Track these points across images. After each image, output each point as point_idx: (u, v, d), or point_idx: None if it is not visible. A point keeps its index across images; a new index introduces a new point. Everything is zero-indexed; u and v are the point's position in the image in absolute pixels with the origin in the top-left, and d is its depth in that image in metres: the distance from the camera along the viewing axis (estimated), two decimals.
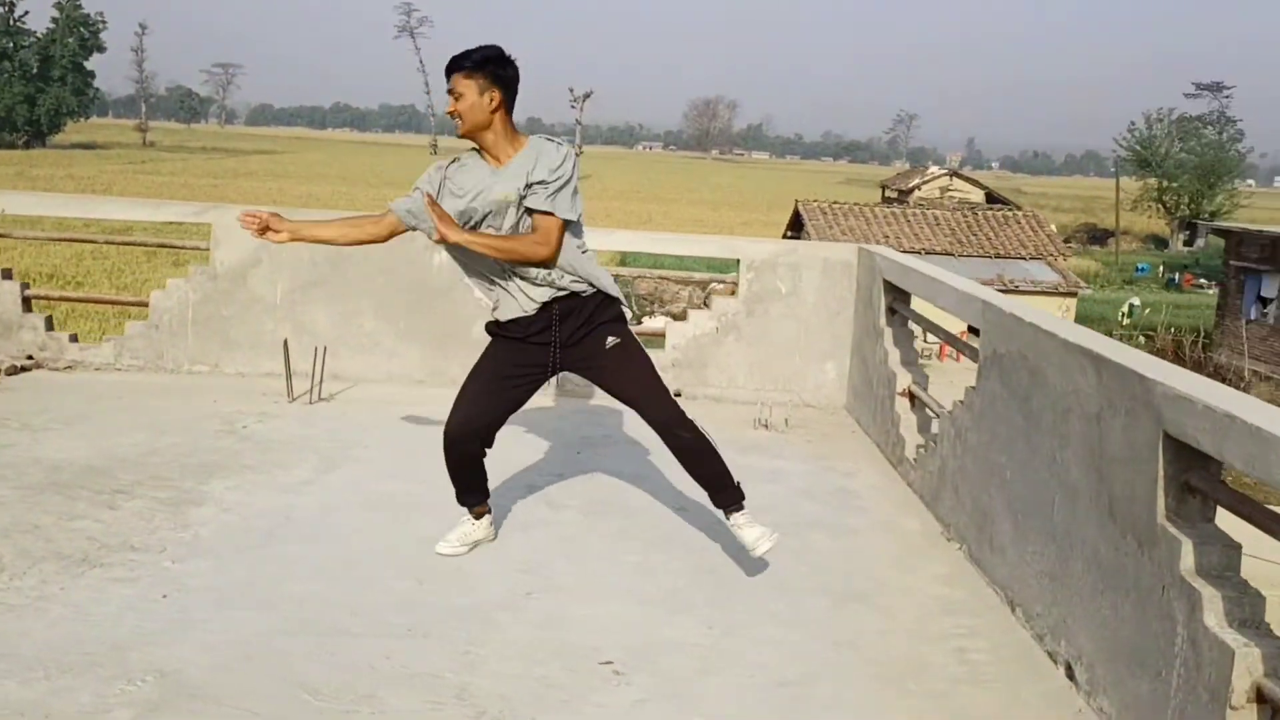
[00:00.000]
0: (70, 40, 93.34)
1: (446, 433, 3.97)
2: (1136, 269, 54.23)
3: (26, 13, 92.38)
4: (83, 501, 4.47)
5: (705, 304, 7.00)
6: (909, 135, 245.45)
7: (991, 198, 58.91)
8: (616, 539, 4.48)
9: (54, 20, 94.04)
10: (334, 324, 6.71)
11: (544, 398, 6.41)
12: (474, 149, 3.83)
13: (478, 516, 4.22)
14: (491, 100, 3.69)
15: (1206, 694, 2.72)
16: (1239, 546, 2.88)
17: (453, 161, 3.86)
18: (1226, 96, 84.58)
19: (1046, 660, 3.61)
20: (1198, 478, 2.95)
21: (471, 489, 4.15)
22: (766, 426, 6.25)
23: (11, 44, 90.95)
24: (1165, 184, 65.95)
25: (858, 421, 6.48)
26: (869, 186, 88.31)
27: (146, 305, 6.84)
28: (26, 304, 6.81)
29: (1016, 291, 29.26)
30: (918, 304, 5.85)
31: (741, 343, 6.78)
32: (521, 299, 3.85)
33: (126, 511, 4.40)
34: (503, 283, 3.85)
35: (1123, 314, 33.89)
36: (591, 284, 3.88)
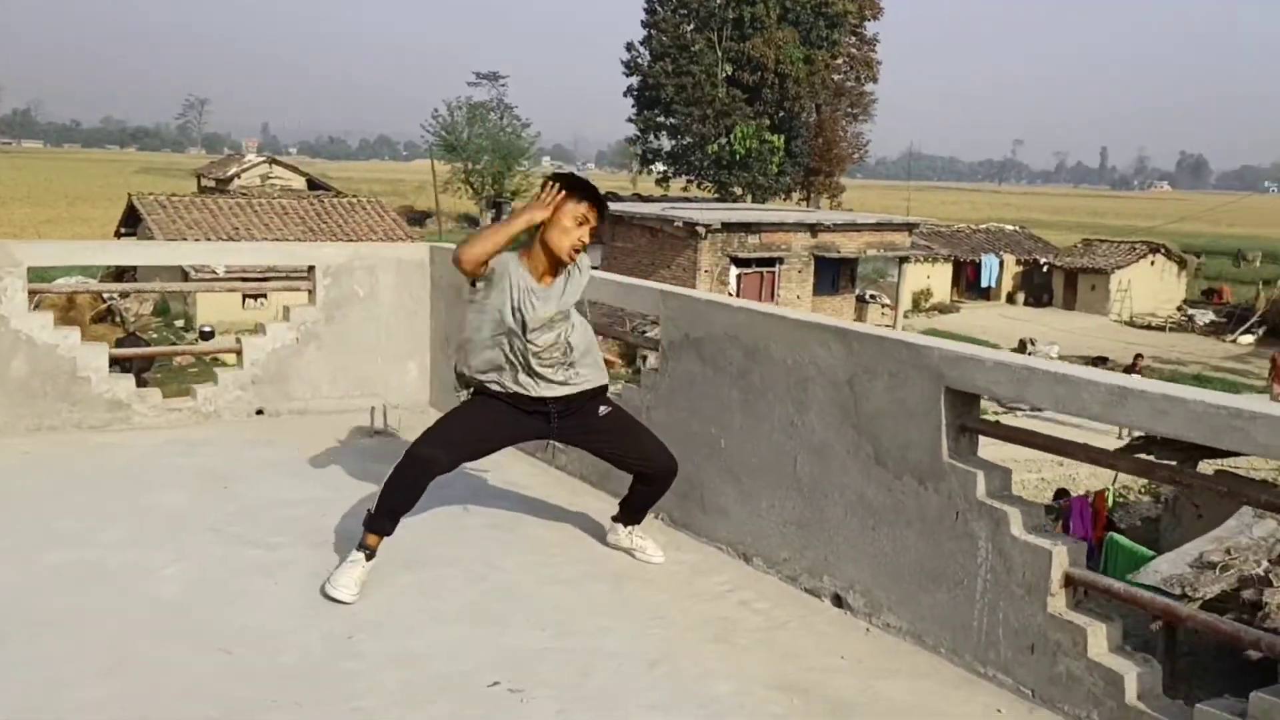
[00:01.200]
0: None
1: (419, 455, 3.96)
2: None
3: None
4: None
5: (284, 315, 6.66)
6: (201, 121, 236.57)
7: (313, 184, 59.34)
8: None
9: None
10: None
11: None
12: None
13: (371, 556, 3.97)
14: None
15: (1022, 590, 3.46)
16: (1009, 470, 3.67)
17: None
18: (503, 85, 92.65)
19: (810, 597, 4.20)
20: (970, 420, 3.70)
21: (401, 514, 4.02)
22: (379, 432, 6.17)
23: None
24: (470, 167, 71.01)
25: None
26: (176, 176, 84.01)
27: None
28: None
29: None
30: None
31: (323, 351, 6.57)
32: (528, 383, 4.09)
33: None
34: (520, 364, 4.07)
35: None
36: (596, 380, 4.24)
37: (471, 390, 4.17)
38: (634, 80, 50.38)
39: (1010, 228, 50.07)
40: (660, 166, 51.99)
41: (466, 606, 3.98)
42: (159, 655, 3.48)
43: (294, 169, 65.92)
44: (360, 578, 3.92)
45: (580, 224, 4.06)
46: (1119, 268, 42.56)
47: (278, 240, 31.26)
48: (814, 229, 32.66)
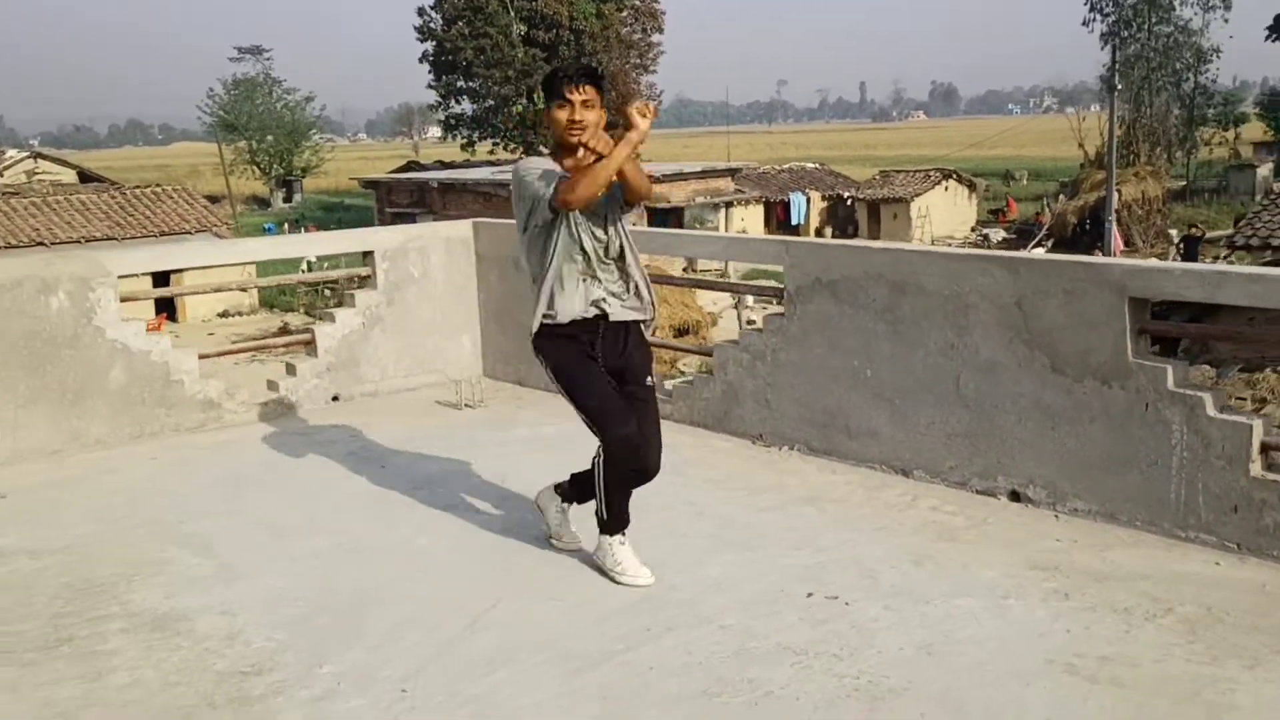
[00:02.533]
0: None
1: (624, 439, 3.79)
2: (265, 229, 55.96)
3: None
4: None
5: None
6: None
7: (85, 176, 55.94)
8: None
9: None
10: None
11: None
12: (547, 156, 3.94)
13: (624, 539, 4.00)
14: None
15: (1222, 461, 4.08)
16: (1188, 363, 4.29)
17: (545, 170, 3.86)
18: (269, 58, 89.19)
19: (985, 497, 4.74)
20: (1147, 323, 4.29)
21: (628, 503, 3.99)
22: (472, 404, 6.36)
23: None
24: (255, 145, 68.40)
25: (520, 383, 6.85)
26: None
27: None
28: None
29: None
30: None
31: (387, 333, 6.67)
32: (601, 297, 3.91)
33: None
34: (591, 278, 3.90)
35: (302, 269, 35.24)
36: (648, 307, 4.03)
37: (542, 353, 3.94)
38: (429, 46, 49.56)
39: (811, 165, 52.05)
40: (464, 131, 51.42)
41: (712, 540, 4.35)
42: (513, 608, 3.74)
43: (62, 162, 61.64)
44: (635, 557, 3.97)
45: (561, 107, 3.79)
46: (917, 195, 44.95)
47: (87, 240, 29.71)
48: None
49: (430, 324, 6.85)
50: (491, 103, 49.42)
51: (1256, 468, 4.04)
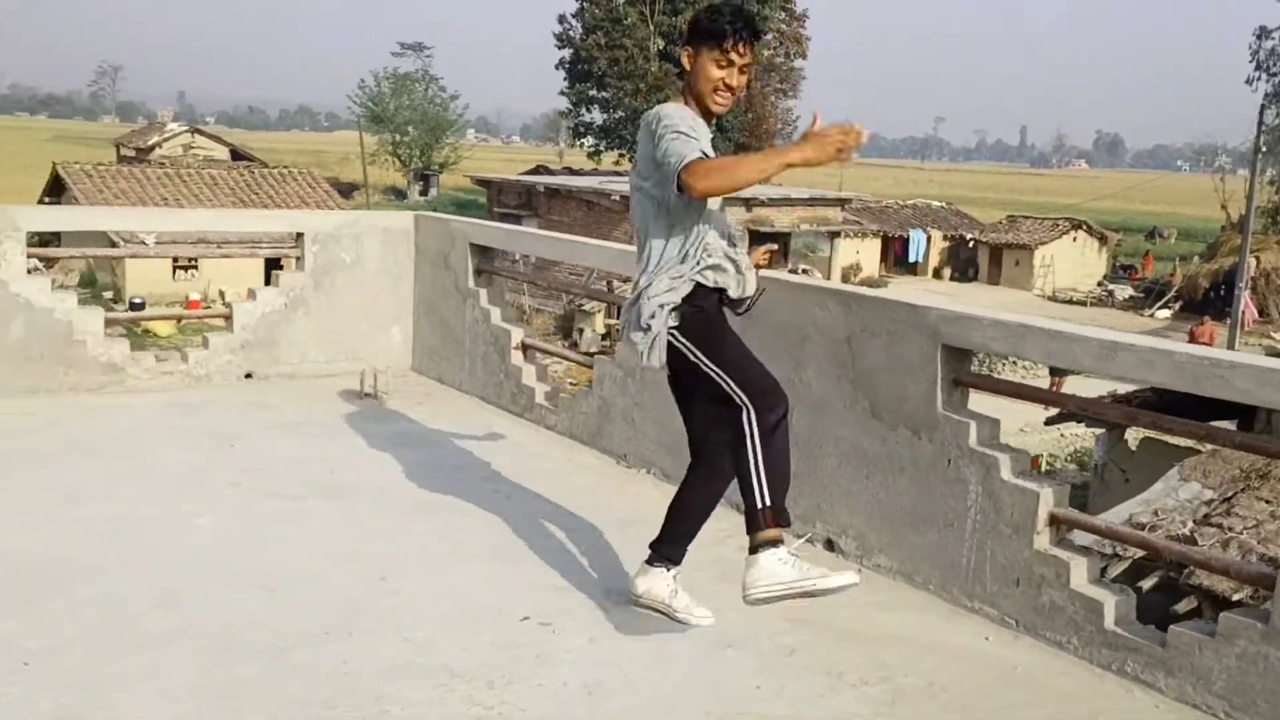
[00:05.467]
0: None
1: (775, 390, 3.42)
2: None
3: None
4: None
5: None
6: (115, 89, 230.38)
7: (236, 154, 58.40)
8: (384, 516, 4.52)
9: None
10: None
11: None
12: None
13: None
14: None
15: (1009, 529, 3.80)
16: (998, 420, 4.01)
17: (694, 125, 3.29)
18: (429, 55, 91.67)
19: (804, 545, 4.50)
20: (963, 374, 4.02)
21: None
22: (374, 395, 6.36)
23: None
24: (398, 138, 70.34)
25: (439, 379, 6.82)
26: (94, 144, 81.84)
27: None
28: None
29: None
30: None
31: (310, 316, 6.72)
32: (740, 278, 3.49)
33: None
34: (734, 257, 3.48)
35: None
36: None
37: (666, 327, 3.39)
38: (566, 53, 50.30)
39: (937, 204, 51.05)
40: (591, 140, 51.98)
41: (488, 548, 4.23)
42: (209, 593, 3.69)
43: (217, 139, 64.66)
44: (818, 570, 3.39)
45: (721, 64, 3.32)
46: (1042, 244, 43.66)
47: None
48: (749, 203, 33.10)
49: (359, 312, 6.87)
50: (621, 114, 49.81)
51: (1042, 540, 3.74)
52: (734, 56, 3.32)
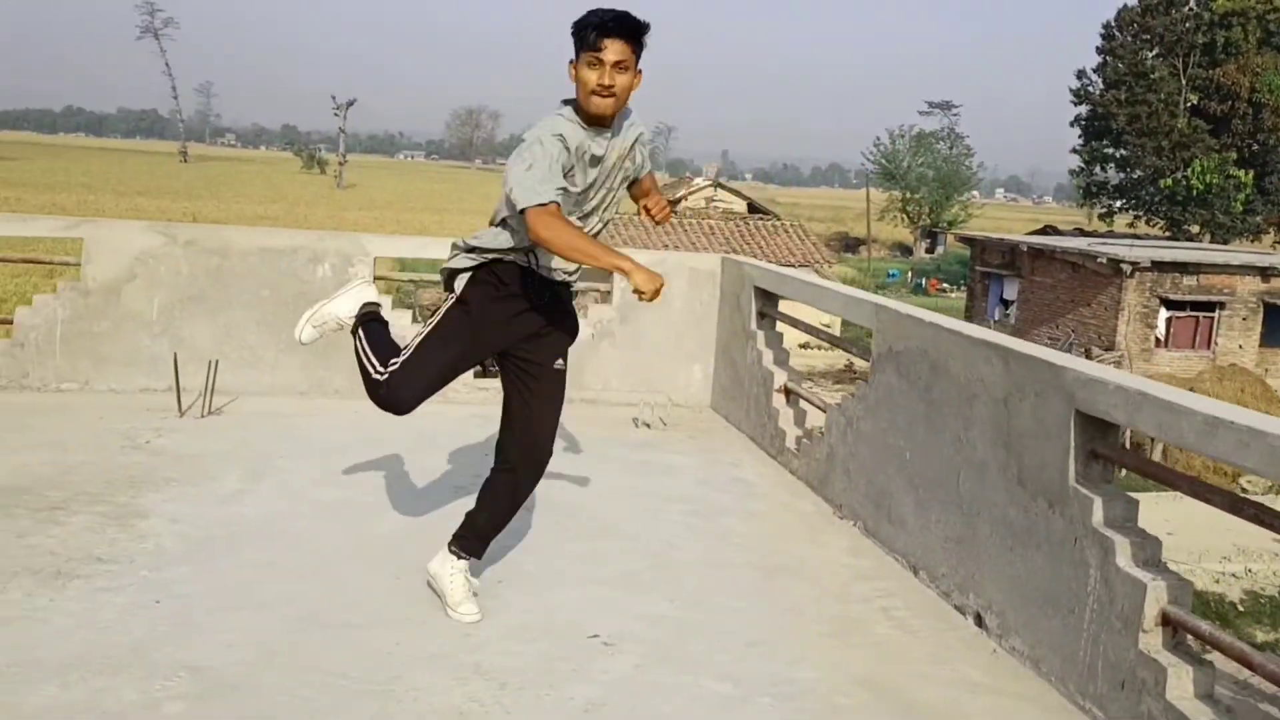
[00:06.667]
0: None
1: (400, 390, 3.68)
2: (889, 275, 57.82)
3: None
4: (24, 519, 4.45)
5: None
6: (668, 146, 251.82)
7: (753, 208, 61.50)
8: (558, 531, 4.83)
9: None
10: (215, 338, 6.73)
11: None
12: (568, 119, 3.45)
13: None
14: (639, 76, 3.45)
15: (1120, 623, 3.35)
16: (1137, 501, 3.54)
17: (557, 133, 3.38)
18: (955, 114, 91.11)
19: (956, 613, 4.21)
20: (1102, 445, 3.60)
21: None
22: (648, 425, 6.70)
23: None
24: (909, 195, 70.53)
25: (726, 418, 7.03)
26: None
27: (9, 323, 6.66)
28: None
29: None
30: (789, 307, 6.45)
31: (616, 348, 7.22)
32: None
33: (75, 526, 4.42)
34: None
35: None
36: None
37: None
38: (1082, 109, 47.91)
39: None
40: (1105, 200, 49.00)
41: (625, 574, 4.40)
42: (341, 572, 4.20)
43: (737, 193, 68.36)
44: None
45: (591, 65, 3.35)
46: None
47: None
48: (1266, 273, 29.59)
49: (661, 347, 7.26)
50: (1139, 173, 46.57)
51: (1150, 640, 3.26)
52: (604, 55, 3.33)
